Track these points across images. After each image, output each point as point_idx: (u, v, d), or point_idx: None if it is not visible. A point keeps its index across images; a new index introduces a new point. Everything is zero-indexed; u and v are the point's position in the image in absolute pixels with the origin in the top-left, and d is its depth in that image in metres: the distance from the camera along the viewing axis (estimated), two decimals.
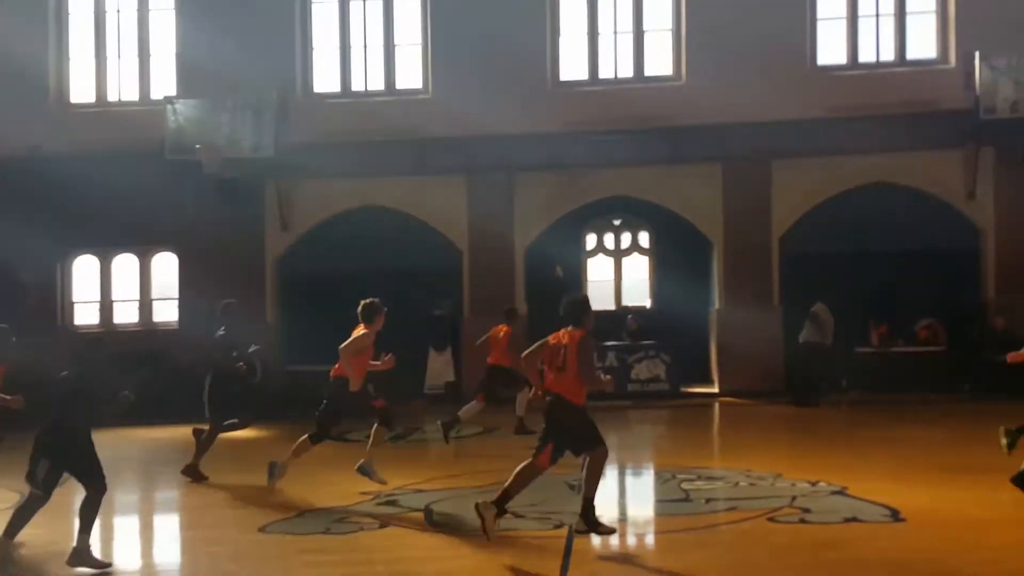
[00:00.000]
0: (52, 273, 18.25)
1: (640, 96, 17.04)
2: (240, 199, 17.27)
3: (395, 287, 16.15)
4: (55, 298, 18.31)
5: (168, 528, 9.29)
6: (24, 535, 7.21)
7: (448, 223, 17.59)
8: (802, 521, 7.74)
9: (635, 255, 19.08)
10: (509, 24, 16.97)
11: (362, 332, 9.25)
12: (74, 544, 6.99)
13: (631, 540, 7.98)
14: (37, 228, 16.91)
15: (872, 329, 16.96)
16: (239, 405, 10.50)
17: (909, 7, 16.97)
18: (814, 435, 13.17)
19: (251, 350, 10.63)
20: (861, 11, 17.06)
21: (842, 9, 17.10)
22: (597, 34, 17.60)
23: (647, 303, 18.98)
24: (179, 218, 17.37)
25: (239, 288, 17.24)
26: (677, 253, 18.17)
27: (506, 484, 7.50)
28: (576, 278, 18.60)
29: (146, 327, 18.31)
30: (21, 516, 7.12)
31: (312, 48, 18.06)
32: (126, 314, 18.61)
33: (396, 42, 17.93)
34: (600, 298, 18.91)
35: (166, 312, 18.57)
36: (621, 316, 17.88)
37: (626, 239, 19.03)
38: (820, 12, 17.08)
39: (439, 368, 17.26)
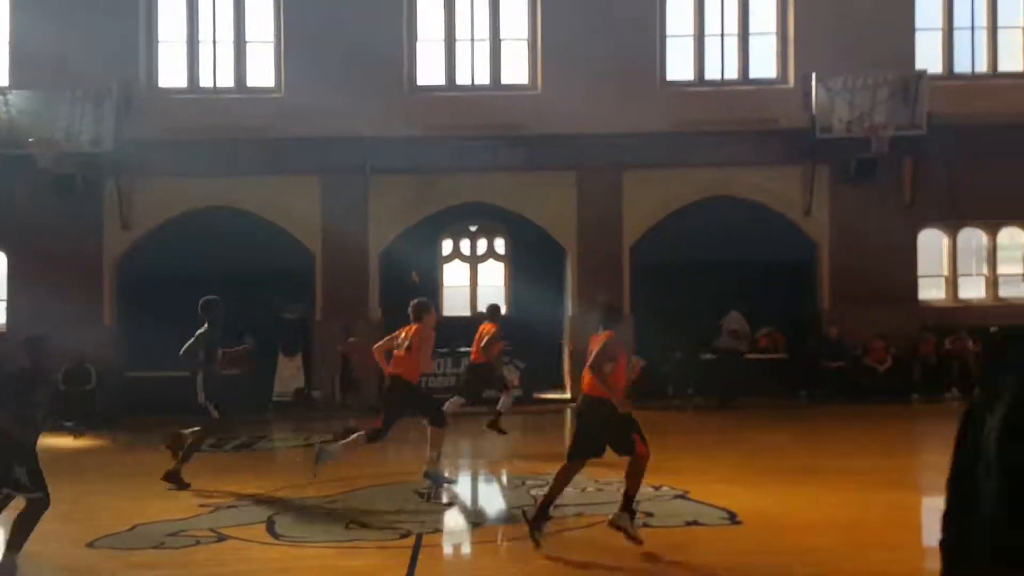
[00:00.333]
0: None
1: (496, 103, 17.13)
2: (77, 195, 16.41)
3: (244, 290, 15.67)
4: None
5: None
6: None
7: (300, 225, 17.20)
8: (645, 525, 7.89)
9: (491, 261, 19.16)
10: (366, 26, 16.75)
11: (416, 329, 9.86)
12: None
13: (480, 547, 7.97)
14: None
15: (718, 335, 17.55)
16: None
17: (752, 28, 17.69)
18: (660, 440, 13.34)
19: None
20: (707, 30, 17.68)
21: (690, 27, 17.68)
22: (454, 40, 17.61)
23: (504, 309, 19.05)
24: (9, 215, 16.41)
25: (75, 289, 16.47)
26: (532, 260, 18.35)
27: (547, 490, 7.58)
28: (432, 283, 18.54)
29: None
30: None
31: (158, 41, 17.35)
32: None
33: (247, 38, 17.44)
34: (455, 304, 18.96)
35: None
36: (476, 322, 17.87)
37: (482, 245, 19.10)
38: (669, 29, 17.60)
39: (289, 374, 16.85)
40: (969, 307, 17.70)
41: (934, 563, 2.10)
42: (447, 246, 18.98)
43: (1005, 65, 17.65)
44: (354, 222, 17.03)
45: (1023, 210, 17.37)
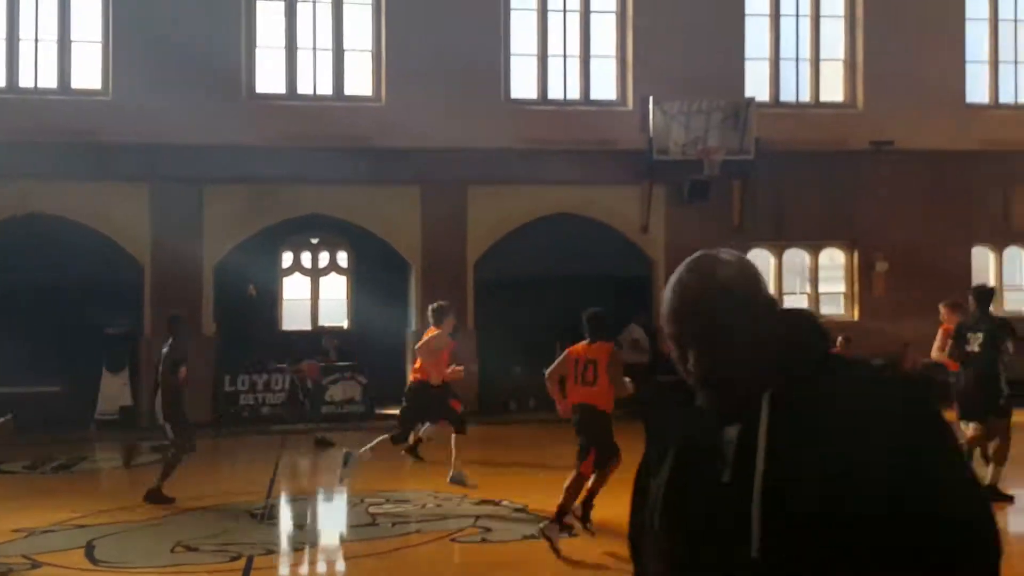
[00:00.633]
0: None
1: (339, 115, 16.86)
2: None
3: (65, 303, 14.80)
4: None
5: None
6: None
7: (128, 235, 16.35)
8: (483, 540, 7.86)
9: (333, 274, 18.81)
10: (201, 29, 16.16)
11: (435, 333, 10.14)
12: None
13: (318, 568, 7.73)
14: None
15: (557, 351, 17.76)
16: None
17: (593, 51, 18.12)
18: (502, 454, 13.53)
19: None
20: (551, 50, 17.99)
21: (534, 47, 17.95)
22: (296, 48, 17.25)
23: (344, 323, 18.75)
24: None
25: None
26: (376, 274, 18.12)
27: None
28: (271, 297, 18.03)
29: None
30: None
31: None
32: None
33: (73, 38, 16.52)
34: (296, 318, 18.50)
35: None
36: (317, 337, 17.52)
37: (324, 258, 18.72)
38: (513, 48, 17.82)
39: (114, 391, 15.96)
40: None
41: None
42: (287, 259, 18.51)
43: (827, 95, 18.75)
44: (187, 233, 16.35)
45: (843, 232, 18.46)
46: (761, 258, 18.74)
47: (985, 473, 8.92)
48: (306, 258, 18.63)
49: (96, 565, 7.41)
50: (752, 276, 1.79)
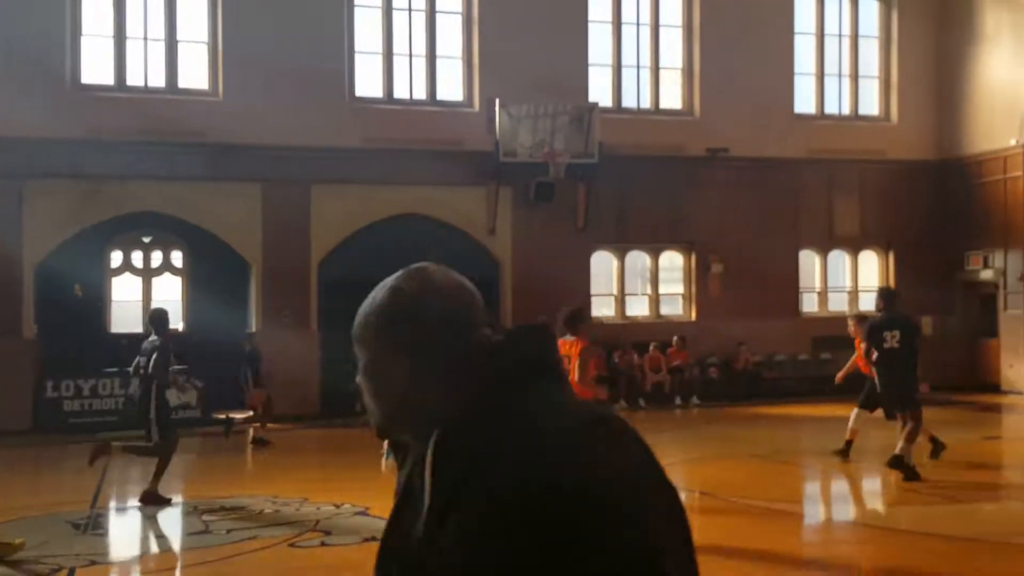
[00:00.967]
0: None
1: (173, 108, 16.17)
2: None
3: None
4: None
5: None
6: None
7: None
8: (322, 544, 7.64)
9: (167, 275, 17.98)
10: (19, 16, 15.22)
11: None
12: None
13: None
14: None
15: None
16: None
17: (439, 51, 18.05)
18: (344, 457, 13.24)
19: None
20: (396, 49, 17.82)
21: (378, 45, 17.73)
22: (124, 38, 16.43)
23: (179, 326, 17.95)
24: None
25: None
26: (213, 274, 17.44)
27: None
28: (99, 297, 17.08)
29: None
30: None
31: None
32: None
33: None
34: (126, 320, 17.58)
35: None
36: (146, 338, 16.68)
37: (157, 258, 17.86)
38: (358, 45, 17.53)
39: None
40: (635, 324, 19.10)
41: None
42: (116, 258, 17.56)
43: (666, 103, 19.33)
44: (4, 231, 15.31)
45: (681, 235, 19.05)
46: (604, 260, 19.14)
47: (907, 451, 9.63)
48: (137, 257, 17.73)
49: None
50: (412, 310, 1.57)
